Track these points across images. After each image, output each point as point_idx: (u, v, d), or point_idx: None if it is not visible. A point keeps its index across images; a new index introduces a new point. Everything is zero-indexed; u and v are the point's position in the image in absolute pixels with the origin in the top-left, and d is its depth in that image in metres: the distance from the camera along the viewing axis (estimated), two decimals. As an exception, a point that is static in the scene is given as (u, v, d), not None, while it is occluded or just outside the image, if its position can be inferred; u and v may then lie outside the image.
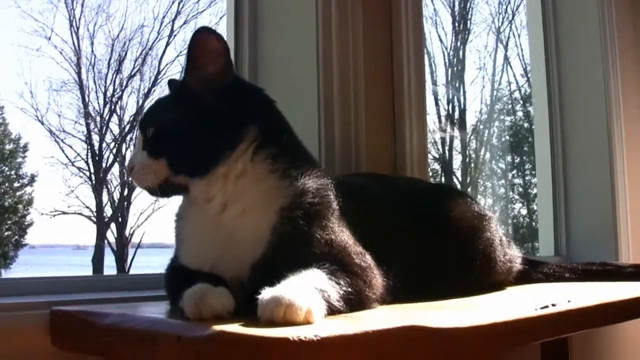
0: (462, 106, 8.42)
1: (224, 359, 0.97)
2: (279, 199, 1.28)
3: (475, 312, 1.28)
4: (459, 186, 8.39)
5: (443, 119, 8.49)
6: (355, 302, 1.21)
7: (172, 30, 8.78)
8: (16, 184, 8.82)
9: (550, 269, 1.92)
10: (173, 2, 8.47)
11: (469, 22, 8.74)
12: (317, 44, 2.01)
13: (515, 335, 1.25)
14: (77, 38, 9.02)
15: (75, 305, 1.40)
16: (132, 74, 8.85)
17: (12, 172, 8.76)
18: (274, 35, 2.15)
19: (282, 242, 1.25)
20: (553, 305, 1.35)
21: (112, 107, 9.12)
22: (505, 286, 1.72)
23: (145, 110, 1.46)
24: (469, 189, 8.29)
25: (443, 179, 8.49)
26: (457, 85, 8.64)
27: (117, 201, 9.71)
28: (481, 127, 8.52)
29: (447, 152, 8.44)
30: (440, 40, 8.56)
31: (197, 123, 1.33)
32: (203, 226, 1.33)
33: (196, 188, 1.33)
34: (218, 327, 0.99)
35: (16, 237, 8.79)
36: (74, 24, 8.83)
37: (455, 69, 8.63)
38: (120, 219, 9.71)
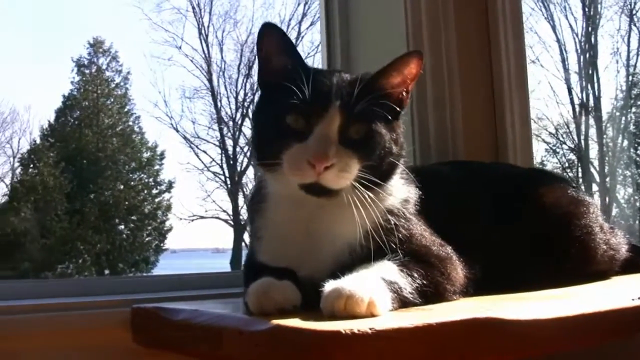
0: (597, 93, 8.10)
1: (281, 352, 0.96)
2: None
3: (561, 303, 1.19)
4: (596, 176, 8.08)
5: (577, 107, 8.20)
6: (431, 294, 1.16)
7: (299, 33, 8.88)
8: (154, 191, 9.23)
9: (665, 256, 1.77)
10: (299, 5, 8.57)
11: (599, 5, 8.38)
12: (406, 28, 1.98)
13: (604, 327, 1.16)
14: (207, 45, 9.30)
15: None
16: (262, 77, 9.03)
17: (151, 180, 9.17)
18: (365, 18, 2.11)
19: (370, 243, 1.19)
20: (655, 295, 1.25)
21: (244, 111, 9.33)
22: (610, 276, 1.60)
23: (350, 90, 1.23)
24: (607, 179, 7.96)
25: (579, 170, 8.22)
26: (590, 72, 8.32)
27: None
28: (617, 114, 8.15)
29: (582, 141, 8.14)
30: (571, 27, 8.26)
31: (395, 139, 1.27)
32: (292, 228, 1.26)
33: (343, 197, 1.20)
34: (276, 322, 0.98)
35: (156, 242, 9.20)
36: (202, 32, 9.11)
37: (587, 55, 8.30)
38: (256, 222, 9.94)
